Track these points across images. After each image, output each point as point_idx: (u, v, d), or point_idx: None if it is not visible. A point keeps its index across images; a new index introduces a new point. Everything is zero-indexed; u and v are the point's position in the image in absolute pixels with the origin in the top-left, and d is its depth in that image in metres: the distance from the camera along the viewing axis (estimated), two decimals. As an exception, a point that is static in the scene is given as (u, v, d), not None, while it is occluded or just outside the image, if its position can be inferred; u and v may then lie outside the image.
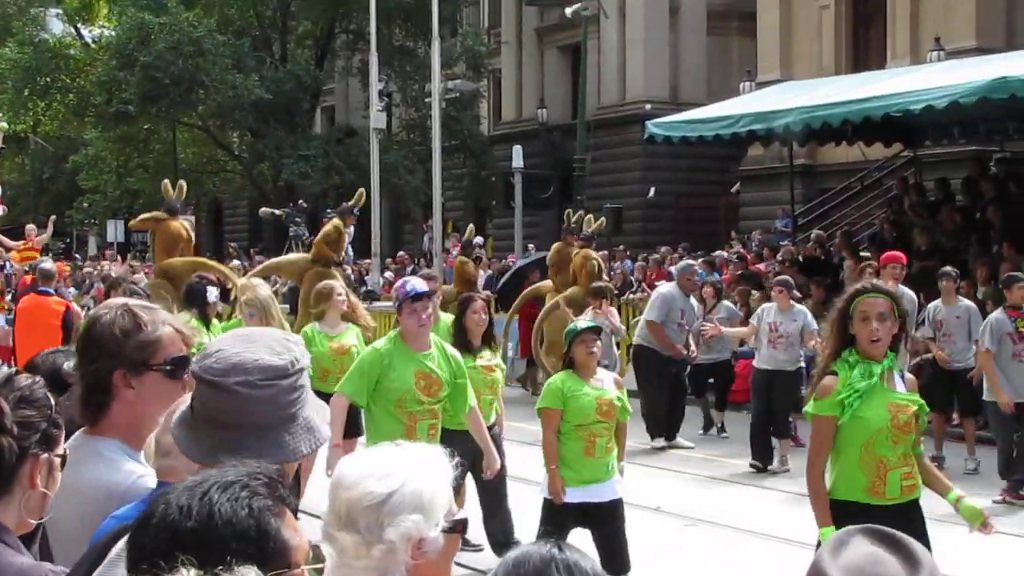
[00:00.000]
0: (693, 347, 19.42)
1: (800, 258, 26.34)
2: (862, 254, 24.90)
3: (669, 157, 40.13)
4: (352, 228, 35.23)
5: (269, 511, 2.65)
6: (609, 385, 10.35)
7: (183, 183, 23.54)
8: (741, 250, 29.94)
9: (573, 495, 10.10)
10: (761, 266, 27.68)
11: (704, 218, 42.74)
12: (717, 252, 30.53)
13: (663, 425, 19.05)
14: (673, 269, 20.47)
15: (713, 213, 42.74)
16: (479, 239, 24.09)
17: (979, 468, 16.35)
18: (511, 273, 27.36)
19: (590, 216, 25.37)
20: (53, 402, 3.59)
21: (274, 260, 25.53)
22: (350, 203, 24.73)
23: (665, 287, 20.24)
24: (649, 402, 18.98)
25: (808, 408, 7.83)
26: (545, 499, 10.24)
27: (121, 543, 3.16)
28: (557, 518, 10.02)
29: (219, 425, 3.36)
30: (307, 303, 22.20)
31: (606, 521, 10.18)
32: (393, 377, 9.85)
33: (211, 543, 2.51)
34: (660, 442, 18.78)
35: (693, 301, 19.47)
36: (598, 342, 10.34)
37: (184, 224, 21.90)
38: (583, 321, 11.35)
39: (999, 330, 15.36)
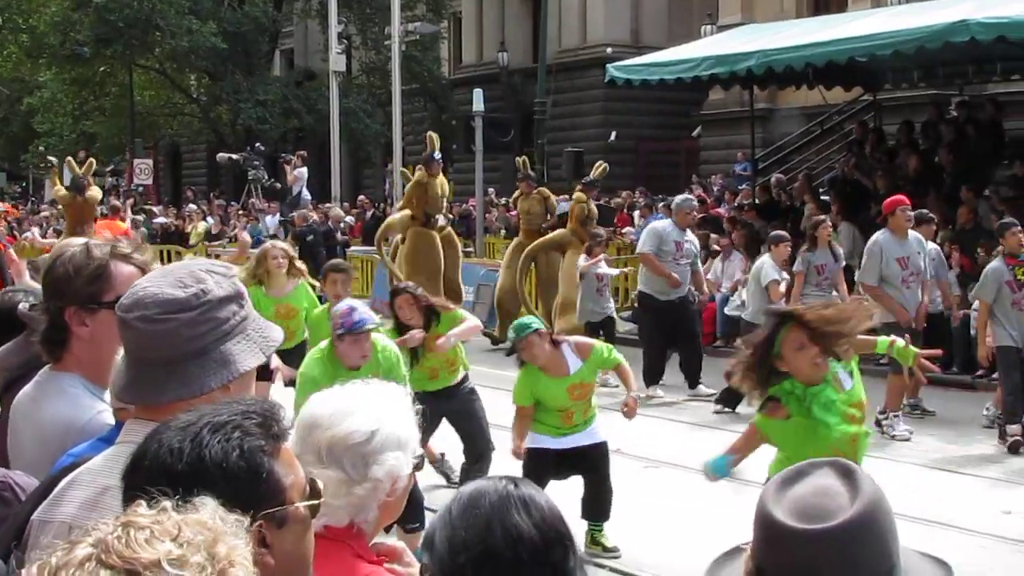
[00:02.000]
0: (704, 292, 19.82)
1: (759, 202, 26.37)
2: (822, 198, 25.14)
3: (630, 101, 40.19)
4: (304, 169, 35.39)
5: (261, 451, 2.63)
6: (575, 363, 10.34)
7: (92, 160, 23.71)
8: (701, 194, 29.99)
9: (554, 443, 10.36)
10: (721, 210, 27.75)
11: (665, 162, 42.86)
12: (678, 196, 30.64)
13: (657, 376, 18.83)
14: (676, 201, 20.34)
15: (674, 157, 42.89)
16: (437, 153, 23.98)
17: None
18: None
19: (525, 159, 26.07)
20: None
21: (386, 221, 25.27)
22: (429, 151, 23.98)
23: (659, 221, 20.37)
24: (646, 354, 18.90)
25: (757, 419, 7.59)
26: (527, 448, 10.35)
27: (65, 480, 3.22)
28: (537, 467, 10.06)
29: (132, 361, 3.31)
30: (411, 261, 22.42)
31: (594, 466, 10.48)
32: None
33: (202, 485, 2.44)
34: (656, 390, 18.42)
35: (691, 236, 19.42)
36: (539, 340, 10.25)
37: (90, 198, 21.83)
38: (529, 319, 11.27)
39: (997, 279, 15.23)
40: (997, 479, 13.55)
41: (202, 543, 1.99)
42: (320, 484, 2.84)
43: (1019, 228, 15.56)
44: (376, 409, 3.61)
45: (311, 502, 2.73)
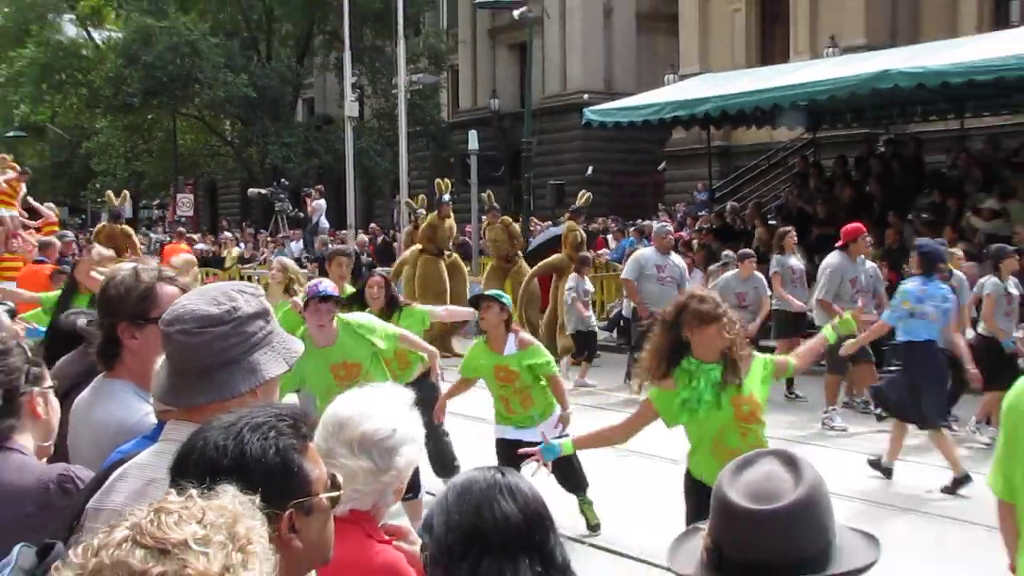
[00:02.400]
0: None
1: (715, 226, 26.65)
2: (770, 222, 25.06)
3: (604, 140, 40.12)
4: (322, 201, 35.50)
5: (293, 449, 2.68)
6: (510, 349, 10.08)
7: (127, 192, 24.36)
8: (666, 220, 30.06)
9: (512, 433, 10.02)
10: (683, 233, 27.84)
11: (635, 192, 42.89)
12: (646, 222, 30.75)
13: None
14: (655, 229, 20.11)
15: (643, 188, 42.90)
16: (446, 196, 24.01)
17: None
18: (537, 245, 26.97)
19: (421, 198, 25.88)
20: (26, 350, 3.71)
21: (399, 258, 25.17)
22: (439, 196, 24.04)
23: (643, 249, 19.96)
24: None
25: (651, 392, 7.28)
26: (496, 439, 10.22)
27: (115, 473, 3.25)
28: (504, 455, 9.72)
29: (172, 369, 3.33)
30: (422, 285, 22.56)
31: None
32: (312, 382, 9.41)
33: (243, 479, 2.47)
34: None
35: (675, 258, 19.09)
36: (497, 311, 9.97)
37: (123, 228, 22.44)
38: (502, 293, 10.90)
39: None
40: (933, 464, 12.79)
41: (223, 524, 2.03)
42: (340, 478, 2.87)
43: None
44: (392, 410, 3.73)
45: (333, 494, 2.76)
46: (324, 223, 35.15)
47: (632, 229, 29.72)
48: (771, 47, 40.42)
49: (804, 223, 24.35)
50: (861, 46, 32.84)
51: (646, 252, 19.07)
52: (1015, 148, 25.74)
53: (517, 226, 25.24)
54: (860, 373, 15.99)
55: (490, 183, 37.64)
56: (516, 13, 38.23)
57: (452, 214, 24.29)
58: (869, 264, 16.68)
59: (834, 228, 23.24)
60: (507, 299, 10.47)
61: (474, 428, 11.70)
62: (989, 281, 14.28)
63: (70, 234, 25.36)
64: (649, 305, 17.58)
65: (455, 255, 23.70)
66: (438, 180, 25.03)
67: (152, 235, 39.33)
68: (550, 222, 31.57)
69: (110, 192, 24.46)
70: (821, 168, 28.77)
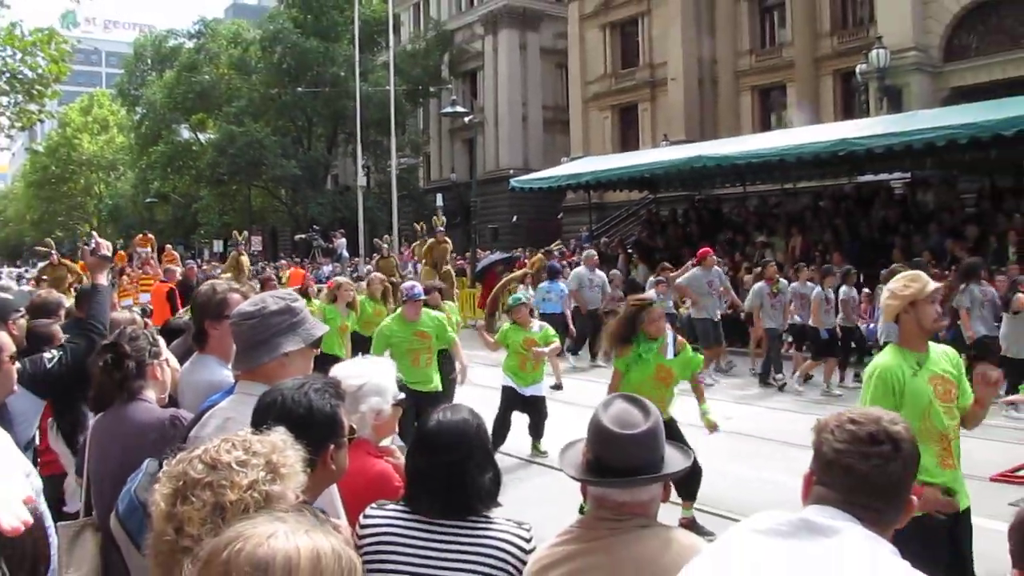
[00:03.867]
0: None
1: (601, 253, 26.72)
2: (628, 251, 25.11)
3: (524, 199, 40.09)
4: (343, 240, 35.37)
5: (339, 406, 2.65)
6: (536, 328, 9.81)
7: (151, 236, 23.17)
8: (564, 249, 30.09)
9: (519, 388, 9.57)
10: (575, 258, 27.85)
11: (543, 231, 42.86)
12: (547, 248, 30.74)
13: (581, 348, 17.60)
14: (584, 254, 18.82)
15: (549, 229, 42.92)
16: (440, 227, 23.85)
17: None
18: (482, 267, 26.47)
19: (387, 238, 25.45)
20: (151, 334, 3.76)
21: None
22: (435, 227, 23.95)
23: (579, 268, 18.30)
24: (578, 336, 17.50)
25: (616, 361, 7.17)
26: (503, 386, 9.70)
27: (207, 415, 3.17)
28: (509, 399, 9.61)
29: (236, 348, 3.31)
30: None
31: (537, 409, 9.75)
32: (397, 340, 8.77)
33: (310, 423, 2.49)
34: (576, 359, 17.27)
35: (599, 272, 17.86)
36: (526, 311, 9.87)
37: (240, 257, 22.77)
38: (520, 294, 10.55)
39: (760, 294, 14.93)
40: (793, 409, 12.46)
41: (263, 453, 1.95)
42: (353, 425, 2.78)
43: (774, 266, 15.60)
44: (366, 372, 3.53)
45: (351, 436, 2.71)
46: (345, 254, 35.05)
47: (542, 252, 29.73)
48: (627, 139, 40.58)
49: (650, 252, 24.51)
50: (683, 140, 33.21)
51: (581, 270, 17.79)
52: (774, 204, 26.17)
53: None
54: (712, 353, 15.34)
55: (451, 227, 37.73)
56: (467, 119, 38.43)
57: (447, 240, 23.86)
58: (715, 269, 16.14)
59: (670, 254, 23.60)
60: (525, 297, 10.46)
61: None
62: (815, 290, 14.12)
63: (192, 263, 25.42)
64: (590, 302, 17.38)
65: (449, 268, 22.96)
66: (434, 218, 24.85)
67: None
68: (489, 251, 31.55)
69: (236, 232, 24.42)
70: (660, 216, 28.84)
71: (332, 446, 2.58)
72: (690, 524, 7.00)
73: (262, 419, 2.44)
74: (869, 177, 24.12)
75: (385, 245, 25.65)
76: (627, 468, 2.46)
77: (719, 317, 15.79)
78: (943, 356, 4.56)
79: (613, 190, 29.80)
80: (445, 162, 53.53)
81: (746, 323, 16.66)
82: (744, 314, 16.43)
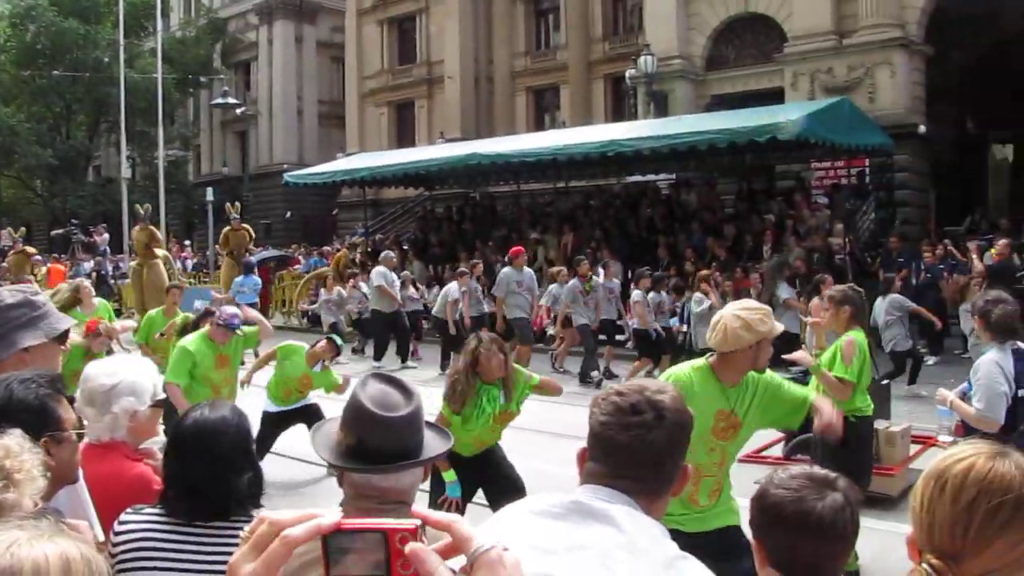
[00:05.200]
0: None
1: (370, 250, 26.61)
2: (404, 247, 25.08)
3: (298, 194, 39.47)
4: (106, 235, 33.65)
5: (49, 397, 2.51)
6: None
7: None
8: (340, 246, 29.82)
9: None
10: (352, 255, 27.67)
11: (318, 228, 42.35)
12: (325, 247, 30.46)
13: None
14: (382, 255, 18.51)
15: (323, 225, 42.42)
16: (235, 215, 22.99)
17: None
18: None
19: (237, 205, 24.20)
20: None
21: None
22: (231, 215, 22.75)
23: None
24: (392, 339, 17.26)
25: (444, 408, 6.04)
26: None
27: None
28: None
29: None
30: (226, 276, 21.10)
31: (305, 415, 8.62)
32: (203, 366, 7.83)
33: (9, 414, 2.34)
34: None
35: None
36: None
37: None
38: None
39: (573, 289, 14.99)
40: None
41: None
42: (84, 420, 2.71)
43: (587, 263, 15.45)
44: (120, 371, 3.38)
45: (78, 431, 2.60)
46: (107, 250, 33.27)
47: (315, 252, 29.39)
48: (404, 136, 40.60)
49: (426, 247, 24.70)
50: (459, 137, 33.47)
51: (507, 271, 16.06)
52: (548, 202, 26.81)
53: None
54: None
55: (222, 223, 36.48)
56: (239, 111, 37.41)
57: (246, 227, 23.01)
58: (527, 270, 16.12)
59: (444, 251, 23.73)
60: None
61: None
62: (636, 292, 14.54)
63: None
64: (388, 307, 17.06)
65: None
66: (227, 204, 23.73)
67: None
68: (262, 247, 30.64)
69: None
70: (435, 213, 29.08)
71: (45, 440, 2.39)
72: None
73: None
74: (637, 178, 25.10)
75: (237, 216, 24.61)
76: (393, 452, 2.32)
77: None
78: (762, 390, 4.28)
79: (389, 187, 29.88)
80: (217, 155, 51.90)
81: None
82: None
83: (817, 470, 2.28)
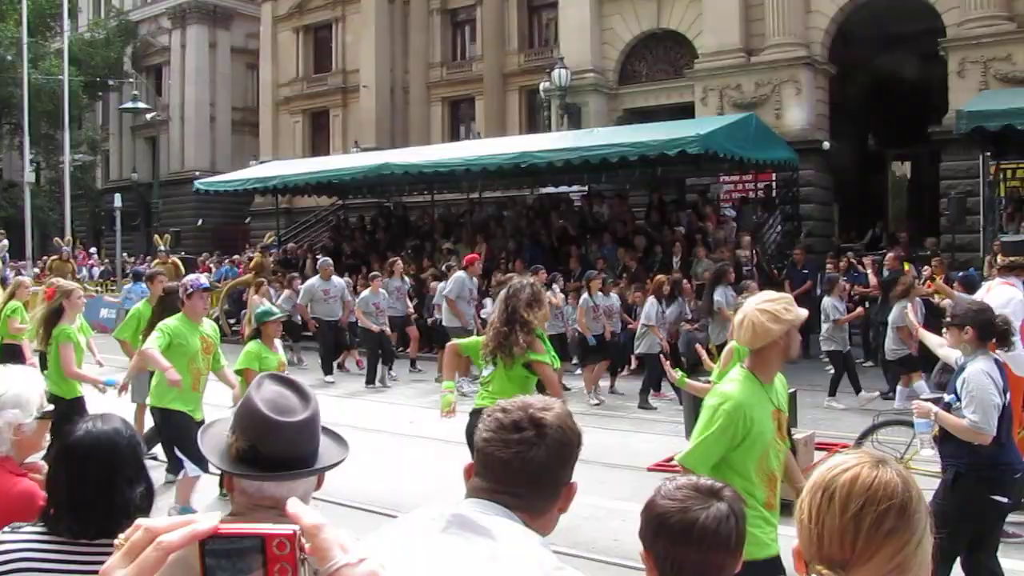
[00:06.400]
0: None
1: (283, 258, 26.26)
2: (318, 256, 24.78)
3: (210, 202, 38.81)
4: (6, 242, 32.53)
5: None
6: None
7: None
8: (252, 254, 29.22)
9: None
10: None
11: (230, 237, 41.53)
12: (236, 256, 29.90)
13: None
14: (320, 263, 18.42)
15: (235, 233, 41.59)
16: (162, 247, 22.41)
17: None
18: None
19: (167, 237, 24.15)
20: None
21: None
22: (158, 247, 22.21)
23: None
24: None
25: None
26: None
27: None
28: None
29: None
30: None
31: None
32: (188, 343, 7.75)
33: None
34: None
35: (336, 279, 17.24)
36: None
37: None
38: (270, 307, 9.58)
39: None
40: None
41: None
42: None
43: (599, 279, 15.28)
44: (4, 383, 3.25)
45: (45, 414, 2.52)
46: (7, 257, 32.13)
47: (227, 260, 28.80)
48: (319, 145, 40.15)
49: (338, 257, 24.43)
50: (374, 147, 33.25)
51: (314, 280, 16.95)
52: (462, 212, 26.78)
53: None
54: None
55: (130, 230, 35.77)
56: (149, 116, 36.63)
57: (173, 260, 22.30)
58: (475, 279, 16.00)
59: (357, 261, 23.49)
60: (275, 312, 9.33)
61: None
62: (583, 297, 14.62)
63: None
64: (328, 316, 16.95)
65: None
66: (156, 236, 23.20)
67: None
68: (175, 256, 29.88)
69: None
70: (348, 223, 28.87)
71: None
72: None
73: None
74: (550, 189, 25.23)
75: (65, 248, 24.03)
76: (289, 459, 2.18)
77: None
78: (781, 384, 4.19)
79: (302, 195, 29.71)
80: (126, 161, 50.50)
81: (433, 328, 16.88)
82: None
83: (703, 480, 2.28)
